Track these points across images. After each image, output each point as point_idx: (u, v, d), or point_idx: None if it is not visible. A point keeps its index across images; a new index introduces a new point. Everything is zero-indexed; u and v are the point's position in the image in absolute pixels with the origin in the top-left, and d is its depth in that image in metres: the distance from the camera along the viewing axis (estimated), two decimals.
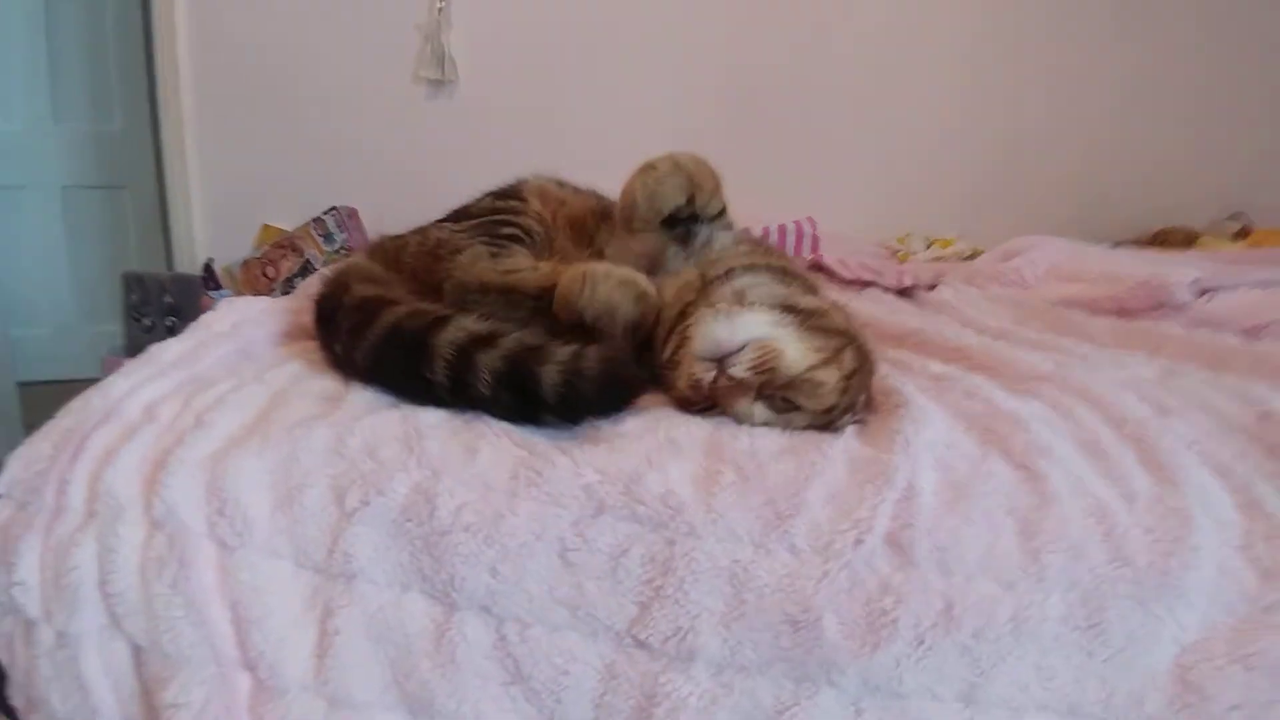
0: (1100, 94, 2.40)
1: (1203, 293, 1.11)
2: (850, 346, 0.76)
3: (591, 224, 0.93)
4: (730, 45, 2.40)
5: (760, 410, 0.71)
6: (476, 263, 0.81)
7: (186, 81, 2.39)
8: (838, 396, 0.72)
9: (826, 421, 0.73)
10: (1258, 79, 2.37)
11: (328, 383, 0.80)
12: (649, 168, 0.83)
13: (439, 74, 2.35)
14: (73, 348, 2.88)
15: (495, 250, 0.83)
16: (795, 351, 0.72)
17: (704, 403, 0.72)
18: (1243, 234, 2.11)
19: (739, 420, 0.72)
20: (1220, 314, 1.06)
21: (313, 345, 0.89)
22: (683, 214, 0.87)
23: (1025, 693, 0.60)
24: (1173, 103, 2.40)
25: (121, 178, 2.97)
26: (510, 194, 0.95)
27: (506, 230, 0.87)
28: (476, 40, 2.38)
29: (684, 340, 0.75)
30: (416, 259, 0.87)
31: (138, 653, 0.66)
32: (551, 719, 0.62)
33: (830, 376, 0.72)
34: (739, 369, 0.70)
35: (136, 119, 2.86)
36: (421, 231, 0.93)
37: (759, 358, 0.70)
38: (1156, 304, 1.09)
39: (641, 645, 0.61)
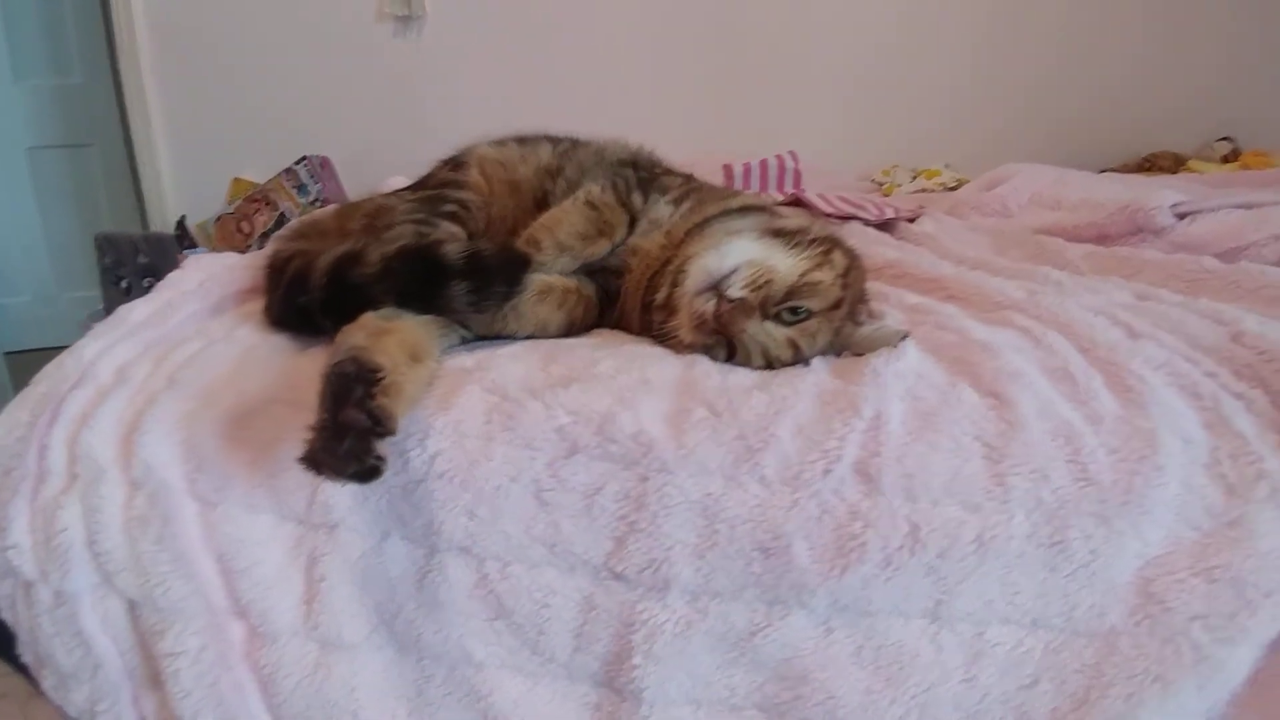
0: (1081, 16, 2.32)
1: (1183, 216, 1.10)
2: (837, 248, 0.79)
3: (538, 184, 0.92)
4: None
5: (776, 329, 0.72)
6: (397, 242, 0.81)
7: (141, 28, 2.28)
8: (840, 291, 0.74)
9: (841, 322, 0.75)
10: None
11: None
12: (545, 293, 0.79)
13: (405, 9, 2.25)
14: (54, 314, 2.85)
15: (425, 231, 0.83)
16: (785, 263, 0.73)
17: (715, 340, 0.73)
18: (1233, 156, 2.08)
19: (761, 350, 0.72)
20: (1200, 237, 1.06)
21: None
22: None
23: (990, 608, 0.63)
24: (1155, 23, 2.32)
25: (87, 135, 2.87)
26: (455, 164, 0.94)
27: (445, 207, 0.87)
28: None
29: (677, 280, 0.76)
30: (361, 222, 0.88)
31: (132, 607, 0.68)
32: (534, 650, 0.65)
33: (826, 276, 0.74)
34: (735, 289, 0.71)
35: (97, 72, 2.74)
36: (383, 196, 0.95)
37: (752, 275, 0.71)
38: (1136, 229, 1.09)
39: (618, 577, 0.63)
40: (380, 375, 0.59)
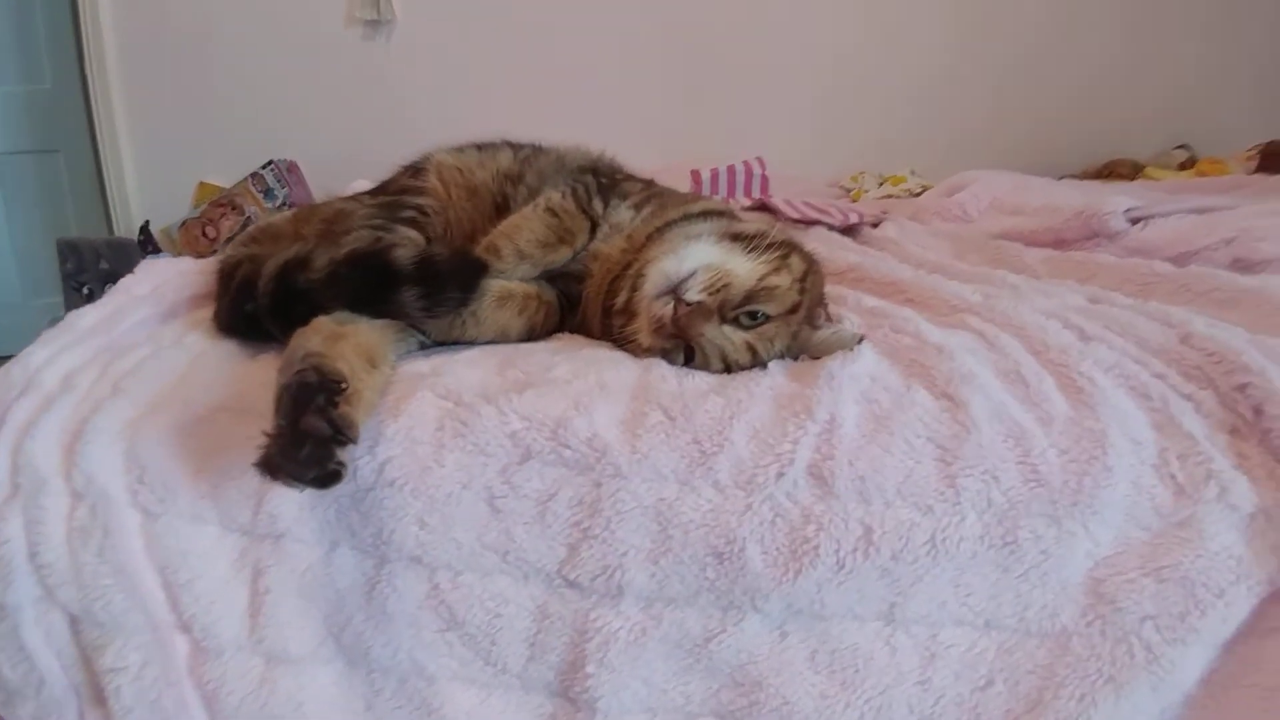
0: (1045, 29, 2.37)
1: (1137, 221, 1.12)
2: (795, 253, 0.79)
3: (498, 189, 0.92)
4: None
5: (733, 333, 0.72)
6: (346, 247, 0.79)
7: (108, 32, 2.25)
8: (798, 295, 0.75)
9: (799, 326, 0.75)
10: (1199, 8, 2.36)
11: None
12: (505, 299, 0.79)
13: (375, 14, 2.24)
14: (21, 322, 2.76)
15: (381, 236, 0.82)
16: (743, 267, 0.74)
17: (673, 343, 0.72)
18: (1188, 164, 2.14)
19: (719, 353, 0.72)
20: (1153, 241, 1.08)
21: None
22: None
23: (943, 609, 0.63)
24: (1111, 32, 2.38)
25: (55, 141, 2.81)
26: (414, 171, 0.94)
27: (404, 214, 0.87)
28: None
29: (636, 284, 0.76)
30: (318, 227, 0.88)
31: (74, 621, 0.66)
32: (487, 660, 0.64)
33: (783, 280, 0.75)
34: (693, 292, 0.71)
35: (67, 78, 2.69)
36: (341, 200, 0.94)
37: (710, 279, 0.72)
38: (1091, 233, 1.11)
39: (572, 585, 0.63)
40: (343, 385, 0.58)
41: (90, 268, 1.92)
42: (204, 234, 2.17)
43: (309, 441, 0.55)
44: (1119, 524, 0.64)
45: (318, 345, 0.62)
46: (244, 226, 2.16)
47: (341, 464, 0.55)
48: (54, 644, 0.66)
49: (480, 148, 0.97)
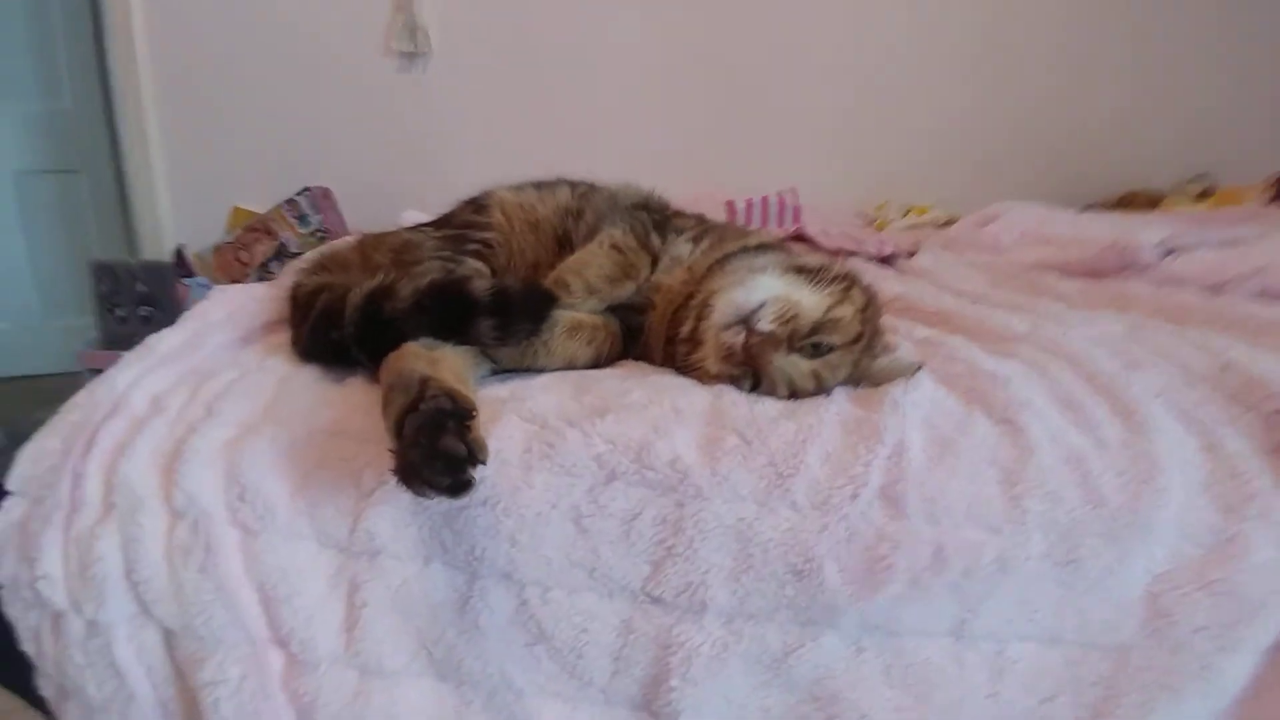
0: (1065, 60, 2.43)
1: (1168, 253, 1.16)
2: (856, 285, 0.83)
3: (559, 223, 0.96)
4: (711, 18, 2.36)
5: (800, 361, 0.75)
6: (426, 277, 0.84)
7: (141, 56, 2.29)
8: (860, 325, 0.79)
9: (860, 355, 0.78)
10: (1218, 39, 2.42)
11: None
12: (575, 329, 0.83)
13: (411, 46, 2.29)
14: (39, 342, 2.79)
15: (451, 267, 0.87)
16: (810, 300, 0.77)
17: (741, 371, 0.75)
18: (1206, 194, 2.16)
19: (787, 381, 0.75)
20: (1184, 273, 1.11)
21: None
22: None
23: (1010, 625, 0.66)
24: (1131, 65, 2.44)
25: (76, 161, 2.84)
26: (478, 206, 0.99)
27: (470, 246, 0.91)
28: (450, 10, 2.30)
29: (702, 314, 0.79)
30: (388, 255, 0.92)
31: (169, 637, 0.68)
32: (574, 674, 0.66)
33: (847, 311, 0.78)
34: (764, 323, 0.74)
35: (88, 97, 2.73)
36: (407, 231, 0.99)
37: (780, 310, 0.75)
38: (1123, 265, 1.14)
39: (656, 601, 0.65)
40: (474, 413, 0.62)
41: (125, 290, 1.94)
42: (237, 259, 2.20)
43: (442, 458, 0.58)
44: (1173, 541, 0.67)
45: (425, 369, 0.65)
46: (277, 252, 2.19)
47: (472, 476, 0.59)
48: (145, 660, 0.68)
49: (538, 186, 1.01)
